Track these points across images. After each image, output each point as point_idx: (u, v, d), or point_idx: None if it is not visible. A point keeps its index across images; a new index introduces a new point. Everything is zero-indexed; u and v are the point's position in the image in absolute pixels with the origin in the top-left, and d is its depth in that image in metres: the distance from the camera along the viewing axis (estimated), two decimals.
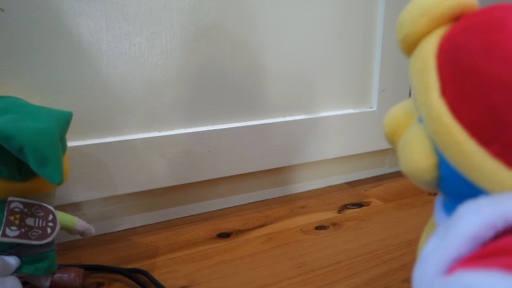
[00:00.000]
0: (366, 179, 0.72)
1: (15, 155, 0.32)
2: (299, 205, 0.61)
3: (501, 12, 0.20)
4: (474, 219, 0.17)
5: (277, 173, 0.64)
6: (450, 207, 0.22)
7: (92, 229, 0.42)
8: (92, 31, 0.46)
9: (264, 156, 0.59)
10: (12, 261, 0.34)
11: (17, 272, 0.35)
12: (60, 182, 0.32)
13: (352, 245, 0.49)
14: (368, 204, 0.61)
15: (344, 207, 0.60)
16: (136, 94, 0.50)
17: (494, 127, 0.18)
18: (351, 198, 0.64)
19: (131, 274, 0.42)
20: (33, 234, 0.35)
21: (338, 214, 0.58)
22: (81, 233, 0.41)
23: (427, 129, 0.21)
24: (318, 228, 0.54)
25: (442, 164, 0.21)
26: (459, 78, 0.20)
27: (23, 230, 0.34)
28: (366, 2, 0.63)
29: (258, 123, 0.58)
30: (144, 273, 0.42)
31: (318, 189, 0.68)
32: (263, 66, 0.57)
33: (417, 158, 0.22)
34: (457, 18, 0.22)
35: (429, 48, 0.21)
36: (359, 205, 0.61)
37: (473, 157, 0.19)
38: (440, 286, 0.16)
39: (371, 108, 0.68)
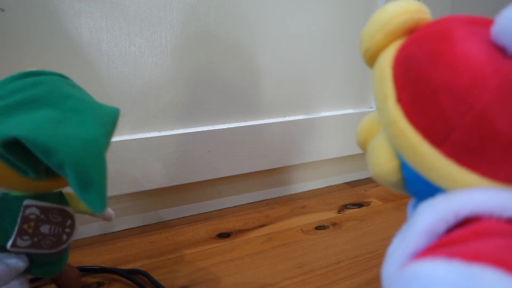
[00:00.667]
0: (366, 179, 0.72)
1: (53, 168, 0.27)
2: (299, 205, 0.61)
3: (447, 24, 0.22)
4: (428, 215, 0.19)
5: (277, 173, 0.64)
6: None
7: (112, 214, 0.39)
8: (92, 31, 0.46)
9: (264, 156, 0.59)
10: (21, 264, 0.32)
11: (25, 273, 0.33)
12: (102, 211, 0.27)
13: (352, 245, 0.49)
14: (368, 204, 0.61)
15: (344, 207, 0.60)
16: (136, 94, 0.50)
17: (443, 129, 0.20)
18: (351, 198, 0.64)
19: (131, 275, 0.42)
20: (46, 242, 0.31)
21: (338, 214, 0.58)
22: (103, 217, 0.38)
23: (387, 134, 0.23)
24: (318, 228, 0.54)
25: (404, 166, 0.23)
26: (411, 85, 0.21)
27: (35, 239, 0.31)
28: (366, 2, 0.63)
29: (258, 123, 0.58)
30: (144, 274, 0.42)
31: (318, 189, 0.68)
32: (263, 66, 0.57)
33: (381, 162, 0.23)
34: (412, 31, 0.24)
35: (386, 59, 0.23)
36: (359, 205, 0.61)
37: (427, 157, 0.21)
38: (395, 278, 0.18)
39: (371, 108, 0.69)
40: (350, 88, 0.66)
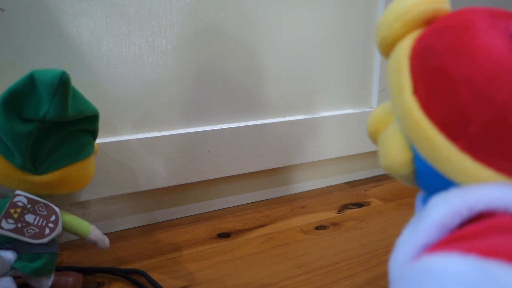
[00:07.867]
0: (366, 179, 0.72)
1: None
2: (299, 205, 0.61)
3: (468, 15, 0.21)
4: (442, 208, 0.19)
5: (277, 173, 0.64)
6: (427, 201, 0.23)
7: (106, 241, 0.40)
8: (92, 31, 0.46)
9: (264, 156, 0.59)
10: (10, 256, 0.34)
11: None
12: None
13: (352, 245, 0.49)
14: (368, 204, 0.61)
15: (344, 207, 0.60)
16: (136, 94, 0.50)
17: (461, 123, 0.19)
18: (351, 198, 0.64)
19: (129, 275, 0.42)
20: (28, 231, 0.34)
21: (338, 214, 0.58)
22: (94, 243, 0.39)
23: (402, 126, 0.22)
24: (318, 228, 0.54)
25: (417, 159, 0.22)
26: (429, 77, 0.21)
27: (19, 225, 0.34)
28: (366, 2, 0.63)
29: (258, 123, 0.58)
30: (142, 274, 0.42)
31: (318, 189, 0.68)
32: (263, 66, 0.57)
33: (393, 153, 0.23)
34: (430, 22, 0.23)
35: (403, 49, 0.23)
36: (359, 205, 0.61)
37: (443, 151, 0.20)
38: (407, 270, 0.17)
39: (371, 108, 0.68)
40: (350, 88, 0.66)
